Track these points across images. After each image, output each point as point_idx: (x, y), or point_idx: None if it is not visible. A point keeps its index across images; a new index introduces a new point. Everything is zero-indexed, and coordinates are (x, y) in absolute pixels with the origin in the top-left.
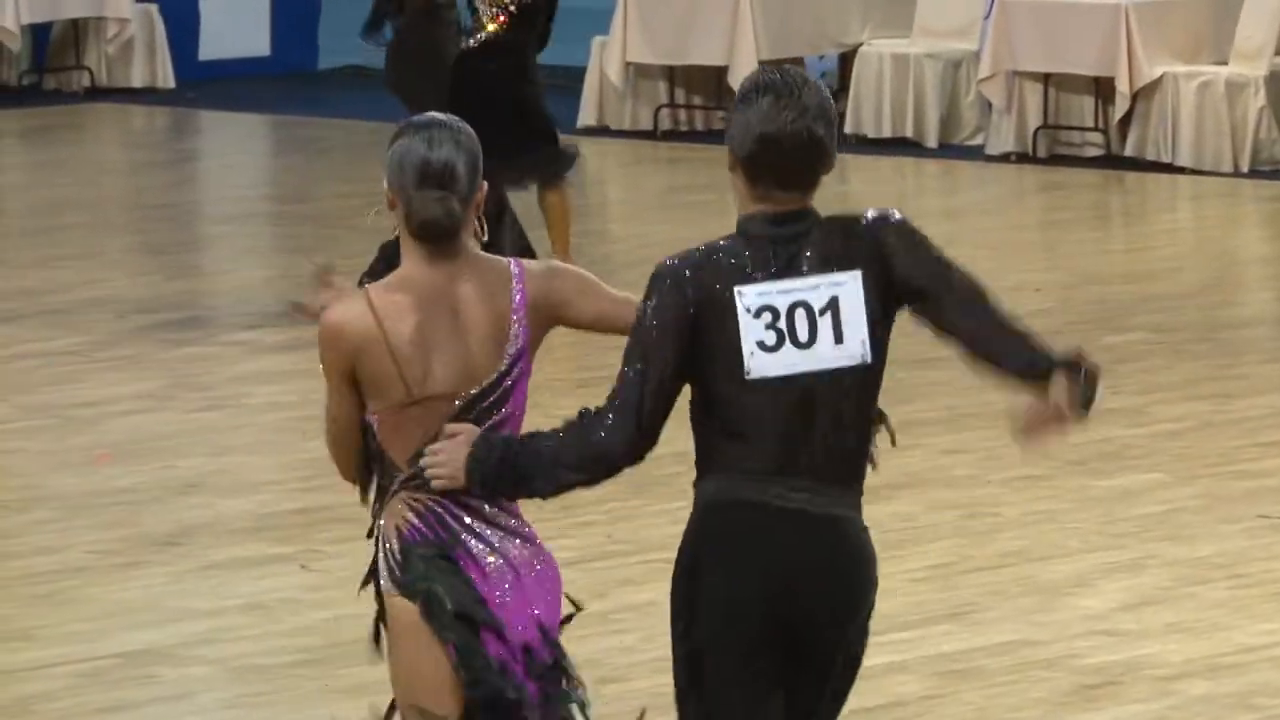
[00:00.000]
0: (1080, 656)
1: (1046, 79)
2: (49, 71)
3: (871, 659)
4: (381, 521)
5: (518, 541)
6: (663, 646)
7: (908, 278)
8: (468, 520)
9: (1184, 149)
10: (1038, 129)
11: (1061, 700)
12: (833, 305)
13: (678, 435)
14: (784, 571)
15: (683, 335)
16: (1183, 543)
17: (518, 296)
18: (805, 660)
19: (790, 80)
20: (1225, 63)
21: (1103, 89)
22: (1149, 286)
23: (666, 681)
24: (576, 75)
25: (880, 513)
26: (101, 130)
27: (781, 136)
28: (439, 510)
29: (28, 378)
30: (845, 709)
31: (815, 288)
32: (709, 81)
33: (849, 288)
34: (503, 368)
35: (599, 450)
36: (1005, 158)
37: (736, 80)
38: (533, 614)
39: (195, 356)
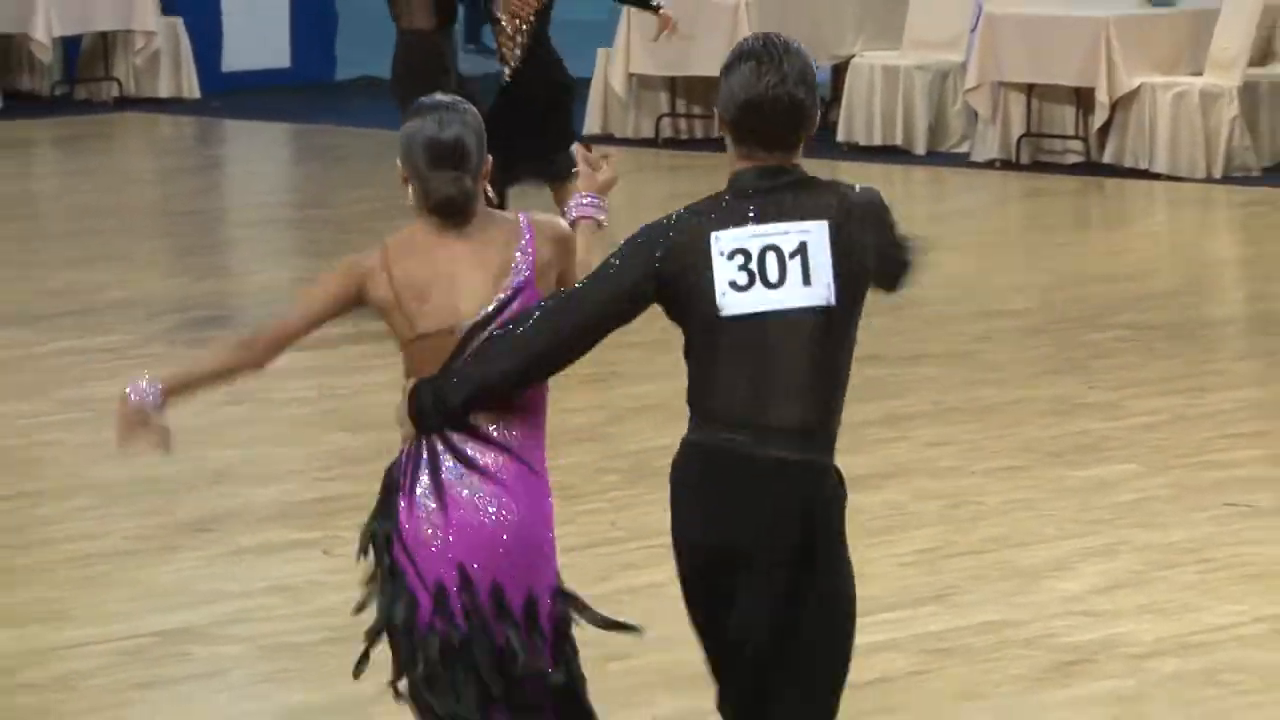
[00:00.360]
0: (1057, 635)
1: (1030, 89)
2: (79, 82)
3: (861, 638)
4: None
5: (480, 487)
6: (661, 624)
7: (862, 244)
8: (447, 463)
9: (1160, 156)
10: (1021, 137)
11: (1040, 676)
12: (801, 249)
13: (679, 427)
14: (752, 521)
15: (635, 286)
16: (1154, 529)
17: (526, 240)
18: (761, 592)
19: (772, 47)
20: (1200, 74)
21: (1083, 99)
22: (1126, 287)
23: (670, 659)
24: (582, 85)
25: (869, 501)
26: (130, 139)
27: (763, 101)
28: (426, 450)
29: (65, 374)
30: None
31: (785, 233)
32: (708, 92)
33: (816, 235)
34: (503, 296)
35: (505, 362)
36: (990, 164)
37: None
38: (454, 558)
39: None
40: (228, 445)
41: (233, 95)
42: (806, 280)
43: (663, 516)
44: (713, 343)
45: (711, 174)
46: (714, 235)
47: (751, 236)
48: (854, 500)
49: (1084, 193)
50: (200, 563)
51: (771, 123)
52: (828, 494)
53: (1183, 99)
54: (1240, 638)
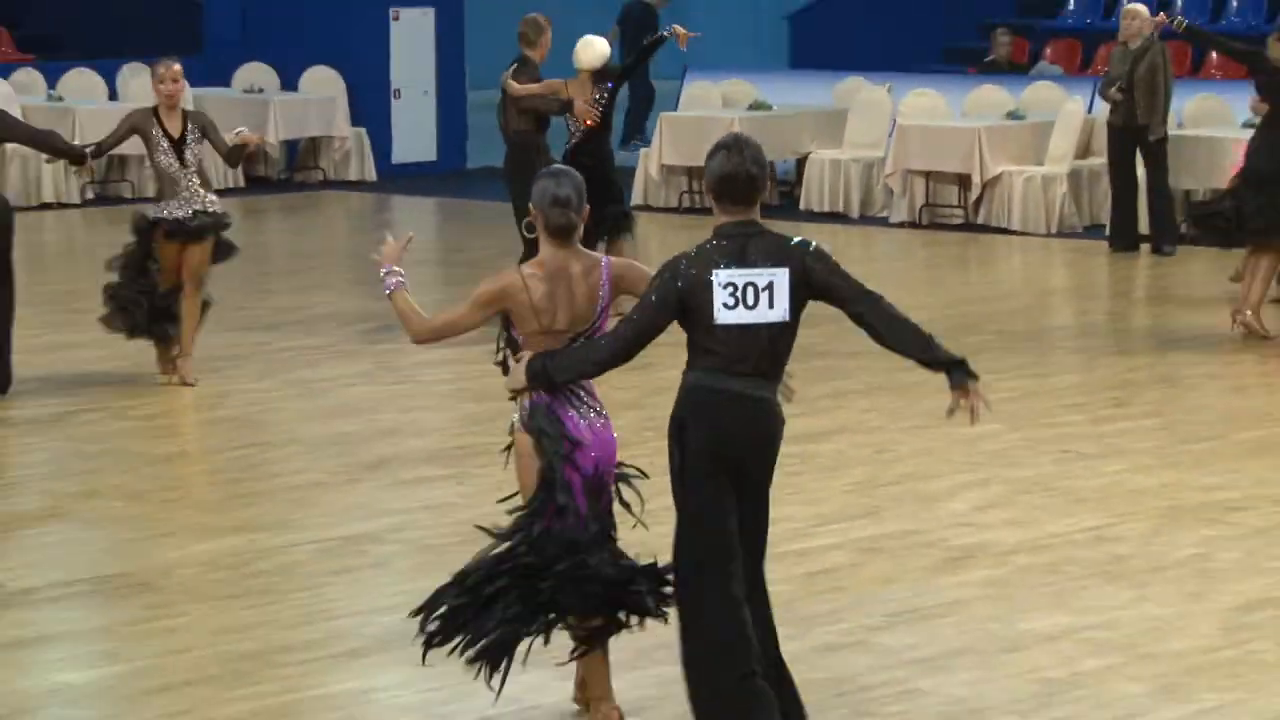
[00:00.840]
0: (948, 540)
1: (928, 175)
2: (296, 170)
3: (815, 540)
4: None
5: (593, 415)
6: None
7: (826, 284)
8: (566, 397)
9: (1015, 219)
10: (922, 206)
11: (937, 567)
12: (770, 286)
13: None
14: (733, 426)
15: (668, 306)
16: (1013, 468)
17: (604, 275)
18: (745, 480)
19: (737, 140)
20: (1042, 164)
21: (963, 181)
22: (993, 306)
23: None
24: (630, 171)
25: (821, 449)
26: (330, 208)
27: (734, 175)
28: (559, 396)
29: (287, 364)
30: (799, 572)
31: (760, 275)
32: None
33: (780, 278)
34: (594, 317)
35: (598, 358)
36: (901, 225)
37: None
38: (595, 456)
39: (390, 351)
40: (395, 411)
41: (398, 179)
42: (771, 305)
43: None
44: (710, 339)
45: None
46: (715, 273)
47: (739, 275)
48: (809, 448)
49: (964, 244)
50: (374, 490)
51: (739, 189)
52: (777, 416)
53: (1030, 181)
54: (1072, 541)
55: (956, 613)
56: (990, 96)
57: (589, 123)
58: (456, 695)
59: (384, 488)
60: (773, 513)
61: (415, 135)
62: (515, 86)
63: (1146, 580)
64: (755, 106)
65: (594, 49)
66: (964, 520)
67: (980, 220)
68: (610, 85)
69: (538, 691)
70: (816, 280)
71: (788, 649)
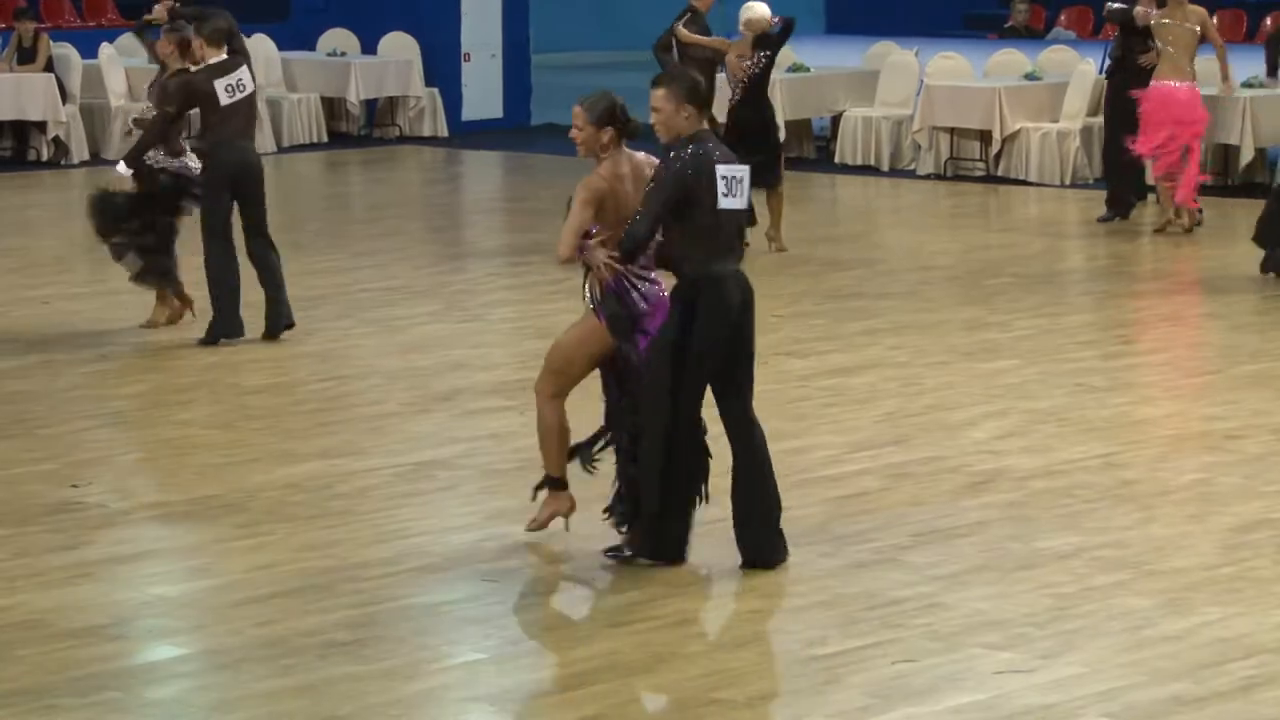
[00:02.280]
0: (970, 466)
1: (952, 131)
2: (376, 126)
3: (847, 467)
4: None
5: (646, 285)
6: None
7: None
8: (632, 280)
9: (1032, 171)
10: (947, 159)
11: (960, 491)
12: (742, 180)
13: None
14: (741, 302)
15: (680, 191)
16: (1030, 400)
17: (653, 168)
18: (745, 346)
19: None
20: (1057, 121)
21: (985, 137)
22: (1011, 251)
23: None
24: None
25: (854, 382)
26: (406, 162)
27: (706, 90)
28: (623, 279)
29: (365, 304)
30: (833, 495)
31: (738, 171)
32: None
33: (745, 174)
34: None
35: (643, 234)
36: (928, 177)
37: (780, 130)
38: (657, 317)
39: (460, 291)
40: (464, 347)
41: (468, 135)
42: (742, 195)
43: None
44: (714, 221)
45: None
46: (718, 167)
47: (730, 170)
48: (841, 382)
49: (985, 194)
50: (444, 419)
51: (707, 104)
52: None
53: (1045, 136)
54: (1085, 467)
55: (977, 533)
56: (1009, 59)
57: (742, 80)
58: (519, 608)
59: (453, 417)
60: (808, 441)
61: (483, 95)
62: (685, 34)
63: (1152, 503)
64: (794, 68)
65: (753, 13)
66: (985, 448)
67: (1000, 173)
68: (768, 53)
69: (591, 605)
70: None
71: (823, 566)
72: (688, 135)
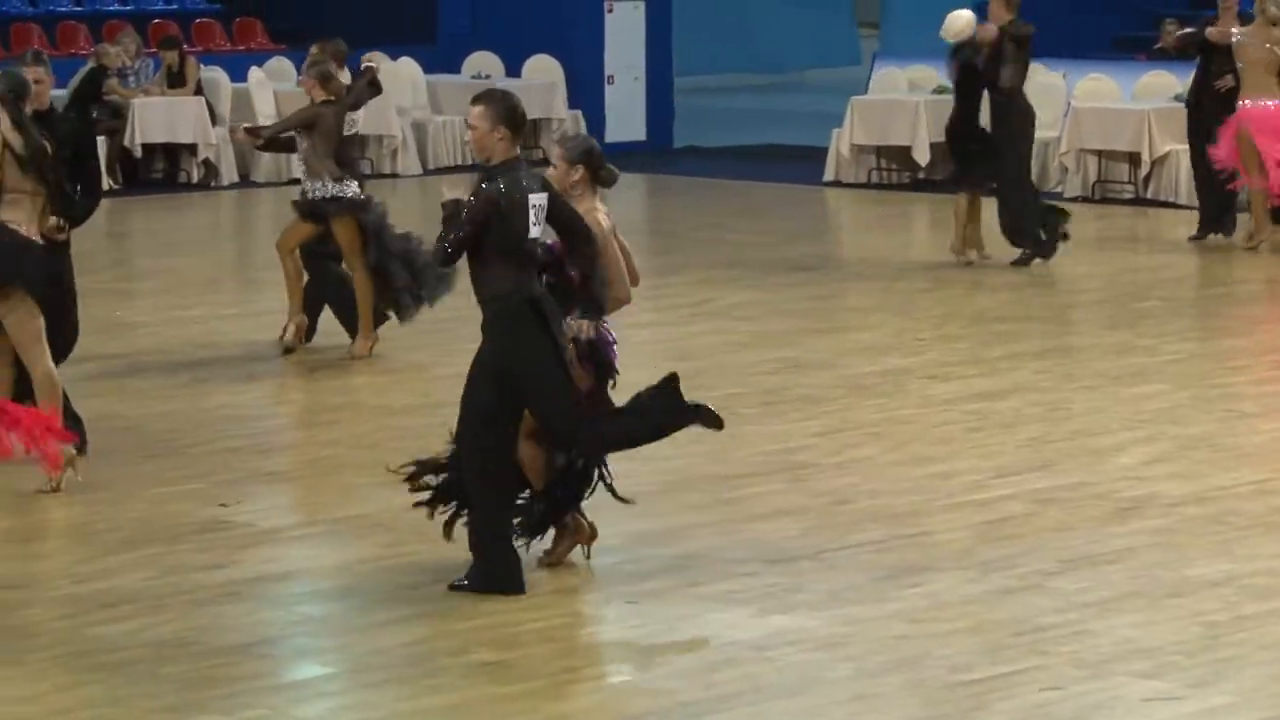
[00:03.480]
0: (1118, 491)
1: (1100, 153)
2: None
3: (993, 491)
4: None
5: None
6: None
7: (559, 211)
8: (607, 329)
9: (1182, 194)
10: (1095, 182)
11: (1107, 517)
12: (540, 208)
13: (877, 360)
14: (554, 322)
15: (489, 219)
16: (1180, 425)
17: None
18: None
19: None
20: None
21: (1133, 159)
22: (1159, 273)
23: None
24: (823, 151)
25: (999, 406)
26: None
27: (525, 115)
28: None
29: None
30: (978, 520)
31: (541, 198)
32: (900, 155)
33: (544, 201)
34: None
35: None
36: (1075, 199)
37: (919, 155)
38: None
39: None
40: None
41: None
42: (539, 223)
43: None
44: (520, 249)
45: (903, 203)
46: (530, 196)
47: (537, 199)
48: (986, 406)
49: (1133, 217)
50: None
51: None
52: None
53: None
54: (1236, 494)
55: (1126, 559)
56: (1159, 81)
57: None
58: (660, 631)
59: None
60: (953, 465)
61: (627, 117)
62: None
63: None
64: (939, 90)
65: (952, 23)
66: (1133, 474)
67: (1149, 195)
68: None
69: (735, 629)
70: (555, 205)
71: (968, 591)
72: (499, 161)
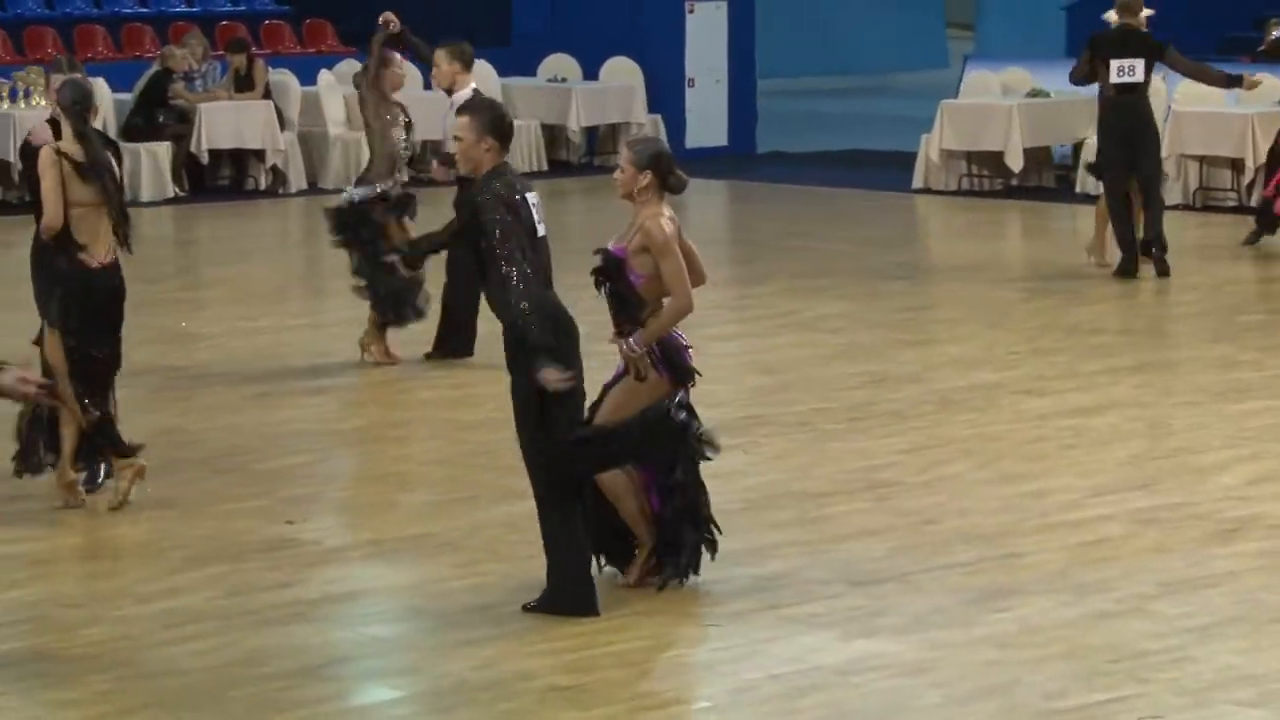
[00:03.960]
0: (1220, 512)
1: (1202, 159)
2: (597, 154)
3: (1090, 511)
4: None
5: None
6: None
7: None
8: (679, 332)
9: None
10: (1196, 189)
11: (1209, 538)
12: (538, 205)
13: (968, 374)
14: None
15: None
16: None
17: None
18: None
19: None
20: None
21: (1236, 165)
22: (1264, 286)
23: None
24: (912, 156)
25: (1096, 422)
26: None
27: (512, 125)
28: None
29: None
30: (1074, 541)
31: (537, 199)
32: (992, 160)
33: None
34: None
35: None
36: (1175, 207)
37: (1012, 161)
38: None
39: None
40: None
41: (691, 163)
42: (543, 221)
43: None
44: (532, 250)
45: (993, 210)
46: (527, 195)
47: (532, 197)
48: (1083, 422)
49: (1237, 225)
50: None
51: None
52: None
53: None
54: None
55: (1228, 583)
56: (1263, 84)
57: None
58: (743, 654)
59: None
60: (1048, 483)
61: (708, 121)
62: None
63: None
64: (1033, 94)
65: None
66: (1235, 494)
67: (1253, 203)
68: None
69: (819, 652)
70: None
71: (1064, 615)
72: (489, 169)
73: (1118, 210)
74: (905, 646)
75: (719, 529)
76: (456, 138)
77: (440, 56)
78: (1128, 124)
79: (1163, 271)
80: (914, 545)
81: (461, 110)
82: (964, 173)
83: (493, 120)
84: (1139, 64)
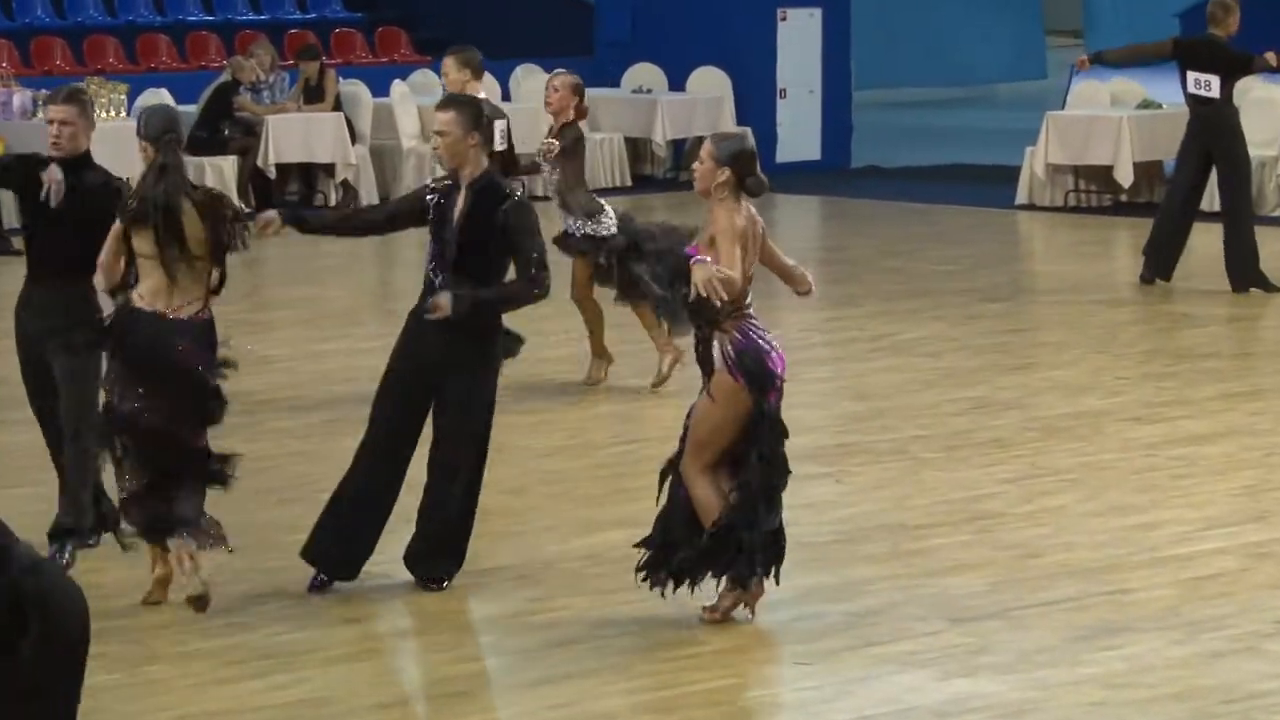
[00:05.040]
0: None
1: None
2: (683, 169)
3: (1202, 545)
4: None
5: (772, 339)
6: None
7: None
8: (760, 332)
9: None
10: None
11: None
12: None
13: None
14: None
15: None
16: None
17: None
18: None
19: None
20: None
21: None
22: None
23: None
24: (1015, 170)
25: (1209, 451)
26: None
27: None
28: (746, 327)
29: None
30: (1185, 577)
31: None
32: (1101, 175)
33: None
34: None
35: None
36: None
37: (1122, 176)
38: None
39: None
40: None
41: (782, 177)
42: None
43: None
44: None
45: (1103, 229)
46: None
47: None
48: (1196, 451)
49: None
50: None
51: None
52: None
53: None
54: None
55: None
56: None
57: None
58: (834, 694)
59: None
60: (1157, 515)
61: (800, 134)
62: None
63: None
64: (1144, 105)
65: None
66: None
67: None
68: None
69: (915, 692)
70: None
71: (1174, 654)
72: (478, 174)
73: (1165, 211)
74: (1007, 687)
75: (774, 549)
76: (440, 132)
77: (449, 64)
78: (1204, 137)
79: (1269, 288)
80: (1016, 580)
81: (445, 105)
82: (1070, 188)
83: (478, 115)
84: (1214, 80)
